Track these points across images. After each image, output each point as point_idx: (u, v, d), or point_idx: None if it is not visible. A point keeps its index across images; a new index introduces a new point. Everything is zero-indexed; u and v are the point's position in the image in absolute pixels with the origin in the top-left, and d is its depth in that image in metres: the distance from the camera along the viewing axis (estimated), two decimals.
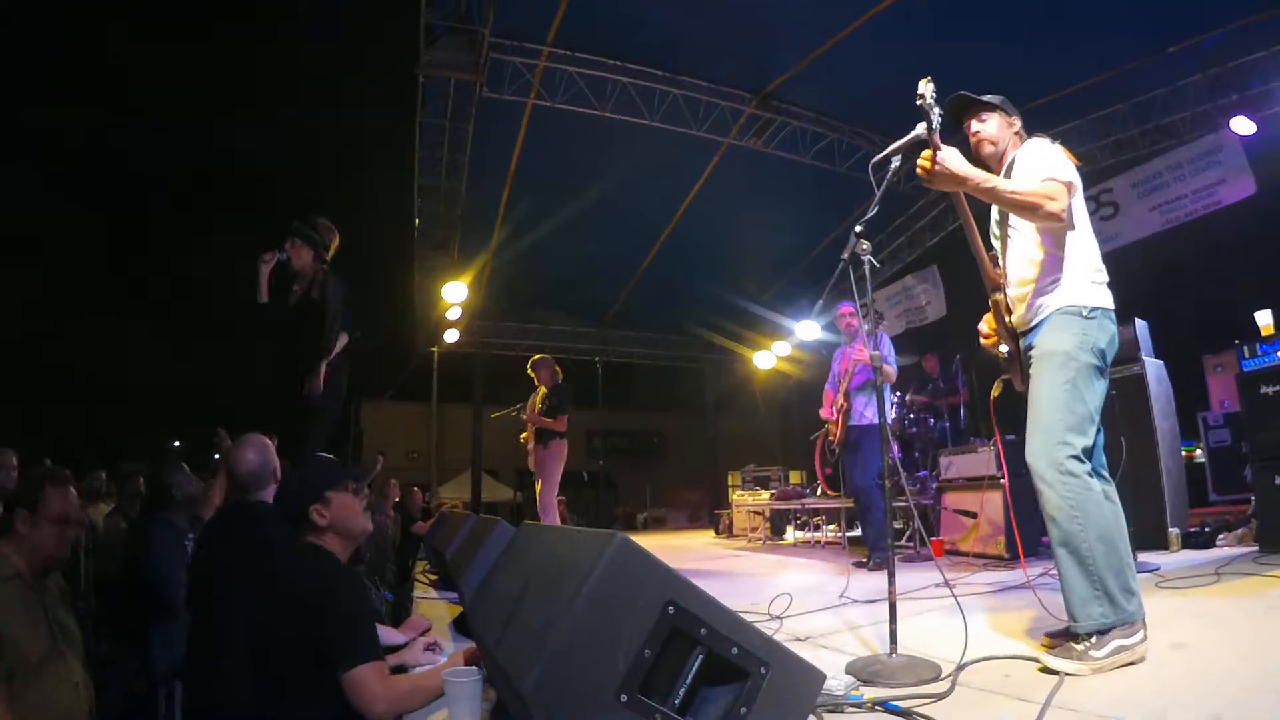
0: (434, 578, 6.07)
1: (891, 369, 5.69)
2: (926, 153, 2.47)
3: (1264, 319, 5.06)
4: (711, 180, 10.86)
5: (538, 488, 7.14)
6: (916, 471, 7.72)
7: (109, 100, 25.49)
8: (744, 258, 12.88)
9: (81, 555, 4.61)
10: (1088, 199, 7.24)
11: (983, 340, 2.94)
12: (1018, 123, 2.85)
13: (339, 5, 21.83)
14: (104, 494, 6.15)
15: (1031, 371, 2.59)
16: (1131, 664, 2.23)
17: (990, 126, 2.80)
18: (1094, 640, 2.24)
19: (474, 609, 2.53)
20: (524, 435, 7.39)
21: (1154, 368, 5.33)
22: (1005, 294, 2.76)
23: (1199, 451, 7.11)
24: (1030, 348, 2.64)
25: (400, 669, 2.60)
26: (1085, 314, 2.52)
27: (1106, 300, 2.58)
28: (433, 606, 4.70)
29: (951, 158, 2.46)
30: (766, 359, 15.08)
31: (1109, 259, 2.69)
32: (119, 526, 5.18)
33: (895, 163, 2.77)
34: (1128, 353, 4.87)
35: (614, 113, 9.15)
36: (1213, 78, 8.26)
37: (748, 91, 9.51)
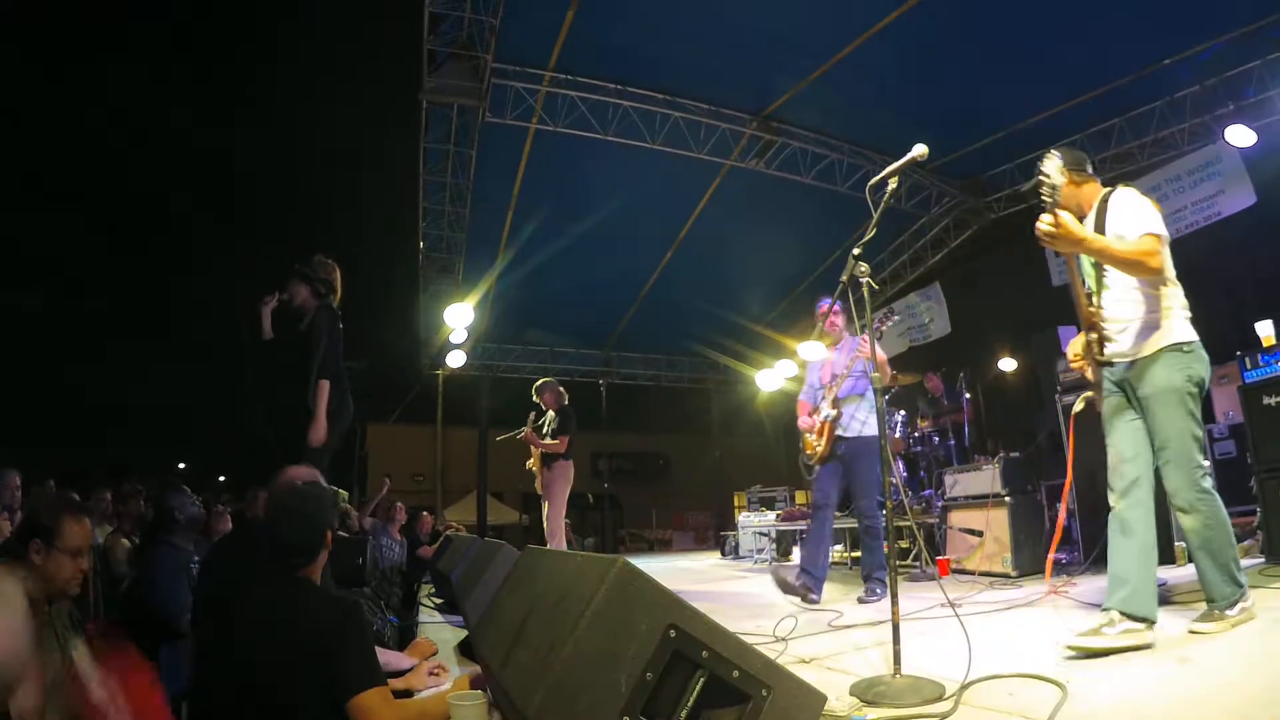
0: (439, 601, 6.06)
1: (887, 367, 5.12)
2: (1047, 218, 2.68)
3: (1264, 330, 5.04)
4: (713, 202, 10.94)
5: (544, 510, 7.15)
6: (922, 490, 7.70)
7: (116, 125, 25.88)
8: (747, 278, 12.95)
9: (89, 577, 4.61)
10: None
11: (1071, 363, 3.19)
12: (1084, 165, 3.02)
13: (343, 33, 22.15)
14: (109, 514, 6.17)
15: (1150, 407, 2.85)
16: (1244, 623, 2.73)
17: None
18: (1228, 610, 2.72)
19: (479, 633, 2.54)
20: (530, 462, 7.40)
21: None
22: (1099, 329, 2.94)
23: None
24: (1129, 378, 2.90)
25: (406, 694, 2.61)
26: (1186, 349, 2.81)
27: (1196, 334, 2.86)
28: (438, 630, 4.68)
29: (1070, 222, 2.68)
30: (771, 379, 15.03)
31: None
32: (121, 545, 5.20)
33: (892, 184, 2.80)
34: None
35: (616, 136, 9.24)
36: (1209, 89, 8.30)
37: (748, 113, 9.59)
